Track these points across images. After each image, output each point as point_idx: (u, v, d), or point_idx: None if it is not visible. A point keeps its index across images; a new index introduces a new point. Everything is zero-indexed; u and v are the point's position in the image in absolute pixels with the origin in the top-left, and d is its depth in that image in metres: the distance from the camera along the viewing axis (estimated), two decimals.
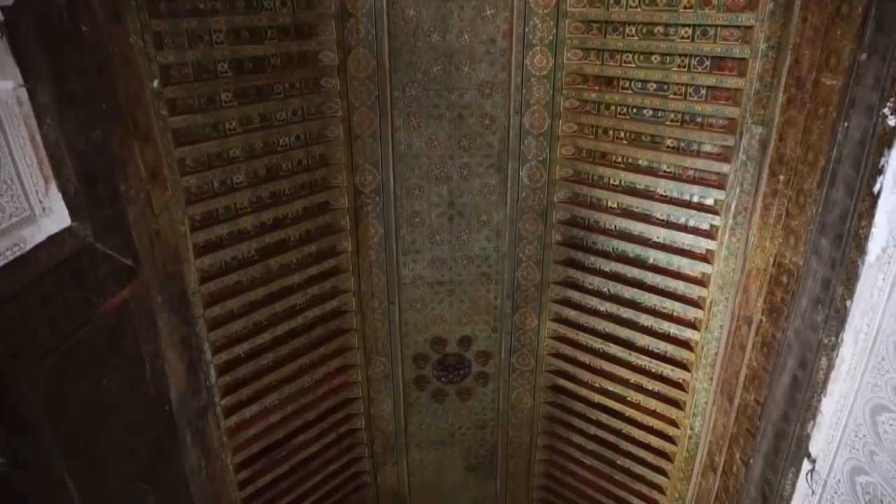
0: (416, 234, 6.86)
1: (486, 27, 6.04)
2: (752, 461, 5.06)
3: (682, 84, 5.49)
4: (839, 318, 3.89)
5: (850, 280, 3.78)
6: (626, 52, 5.70)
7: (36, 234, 3.25)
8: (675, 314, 6.15)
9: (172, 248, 4.87)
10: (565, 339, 7.14)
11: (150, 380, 4.38)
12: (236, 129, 5.47)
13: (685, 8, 5.21)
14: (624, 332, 6.53)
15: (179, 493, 5.03)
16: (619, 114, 5.97)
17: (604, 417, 7.03)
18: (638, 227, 6.18)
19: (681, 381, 6.27)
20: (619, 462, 7.10)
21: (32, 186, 3.24)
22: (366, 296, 6.97)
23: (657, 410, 6.56)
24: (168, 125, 4.84)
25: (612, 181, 6.24)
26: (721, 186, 5.43)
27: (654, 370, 6.45)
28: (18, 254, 3.08)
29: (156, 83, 4.71)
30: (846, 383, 3.83)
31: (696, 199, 5.73)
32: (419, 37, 6.05)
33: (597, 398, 7.03)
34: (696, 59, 5.35)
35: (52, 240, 3.34)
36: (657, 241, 6.11)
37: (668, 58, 5.51)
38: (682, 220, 5.89)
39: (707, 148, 5.54)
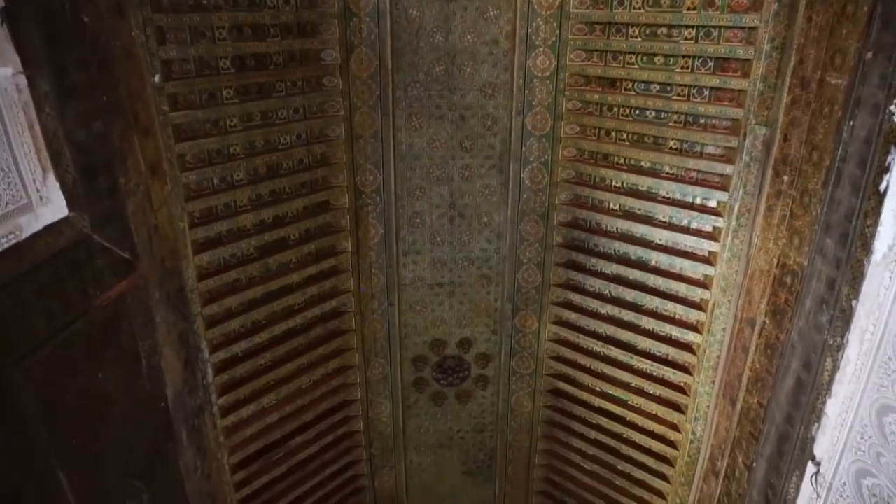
0: (417, 234, 6.83)
1: (489, 28, 6.03)
2: (755, 465, 5.00)
3: (686, 85, 5.47)
4: (844, 318, 3.85)
5: (856, 279, 3.74)
6: (630, 53, 5.69)
7: (33, 223, 3.22)
8: (676, 317, 6.10)
9: (171, 244, 4.83)
10: (566, 342, 7.09)
11: (146, 375, 4.33)
12: (237, 126, 5.44)
13: (689, 9, 5.20)
14: (625, 335, 6.48)
15: (175, 492, 4.96)
16: (622, 115, 5.95)
17: (604, 421, 6.97)
18: (640, 229, 6.14)
19: (682, 384, 6.22)
20: (619, 467, 7.03)
21: (30, 175, 3.20)
22: (365, 297, 6.92)
23: (658, 414, 6.50)
24: (169, 120, 4.81)
25: (614, 183, 6.21)
26: (724, 188, 5.40)
27: (655, 373, 6.40)
28: (14, 242, 3.04)
29: (157, 78, 4.69)
30: (851, 384, 3.78)
31: (698, 200, 5.70)
32: (422, 37, 6.03)
33: (597, 402, 6.97)
34: (700, 60, 5.33)
35: (49, 229, 3.30)
36: (659, 243, 6.07)
37: (671, 59, 5.49)
38: (684, 222, 5.86)
39: (710, 149, 5.51)
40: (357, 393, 7.36)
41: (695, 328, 5.94)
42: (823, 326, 4.07)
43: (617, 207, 6.29)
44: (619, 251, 6.37)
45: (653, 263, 6.18)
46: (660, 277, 6.09)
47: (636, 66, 5.70)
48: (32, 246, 3.18)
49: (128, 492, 4.21)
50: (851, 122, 3.88)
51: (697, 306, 5.87)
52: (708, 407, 5.91)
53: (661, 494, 6.78)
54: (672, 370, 6.21)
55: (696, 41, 5.28)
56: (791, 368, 4.50)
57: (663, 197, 5.92)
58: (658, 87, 5.67)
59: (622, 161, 6.10)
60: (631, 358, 6.51)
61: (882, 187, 3.53)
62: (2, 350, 2.99)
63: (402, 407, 7.67)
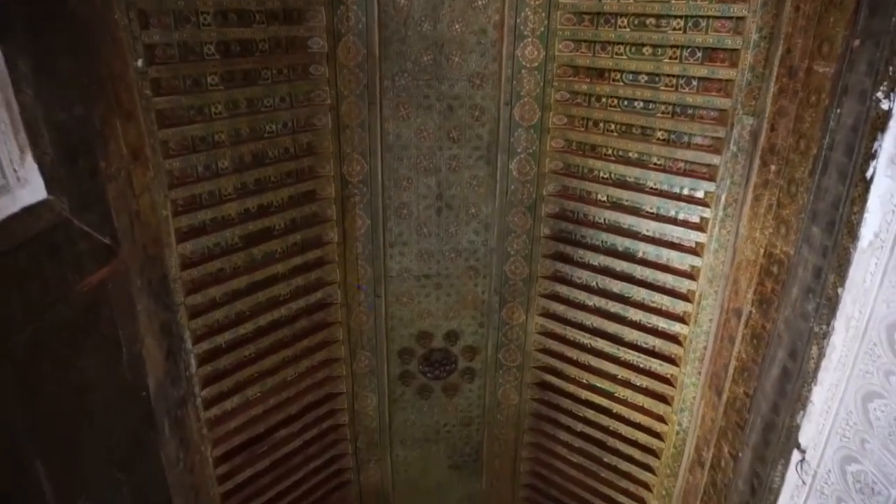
0: (404, 226, 6.78)
1: (478, 17, 6.00)
2: (740, 454, 5.01)
3: (674, 75, 5.47)
4: (830, 305, 3.86)
5: (842, 267, 3.75)
6: (618, 43, 5.68)
7: (9, 205, 3.12)
8: (663, 308, 6.11)
9: (153, 231, 4.74)
10: (553, 334, 7.08)
11: (126, 364, 4.25)
12: (222, 114, 5.36)
13: None
14: (612, 327, 6.48)
15: (156, 484, 4.88)
16: (610, 106, 5.94)
17: (591, 414, 6.96)
18: (627, 220, 6.14)
19: (669, 376, 6.23)
20: (605, 459, 7.03)
21: (7, 155, 3.11)
22: (351, 288, 6.86)
23: (645, 406, 6.51)
24: (152, 105, 4.72)
25: (601, 174, 6.20)
26: (711, 178, 5.41)
27: (642, 365, 6.40)
28: None
29: (140, 62, 4.60)
30: (837, 372, 3.79)
31: (686, 191, 5.71)
32: (410, 26, 5.98)
33: (584, 394, 6.97)
34: (688, 50, 5.33)
35: (27, 211, 3.21)
36: (647, 234, 6.08)
37: (659, 49, 5.49)
38: (671, 213, 5.86)
39: (698, 140, 5.52)
40: (343, 386, 7.30)
41: (681, 319, 5.95)
42: (809, 314, 4.08)
43: (604, 198, 6.28)
44: (606, 242, 6.37)
45: (640, 254, 6.18)
46: (647, 268, 6.09)
47: (624, 57, 5.69)
48: (9, 228, 3.09)
49: (107, 482, 4.13)
50: (838, 110, 3.89)
51: (684, 297, 5.88)
52: (694, 398, 5.93)
53: (647, 486, 6.79)
54: (659, 361, 6.22)
55: (685, 31, 5.28)
56: (777, 357, 4.51)
57: (651, 188, 5.92)
58: (646, 78, 5.66)
59: (610, 152, 6.10)
60: (618, 350, 6.51)
61: (869, 174, 3.54)
62: None
63: (389, 400, 7.62)
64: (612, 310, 6.45)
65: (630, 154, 5.96)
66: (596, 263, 6.47)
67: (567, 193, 6.54)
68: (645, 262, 6.14)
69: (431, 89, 6.24)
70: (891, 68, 3.42)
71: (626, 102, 5.85)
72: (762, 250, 4.78)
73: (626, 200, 6.13)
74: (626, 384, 6.61)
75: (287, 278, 6.30)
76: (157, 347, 4.83)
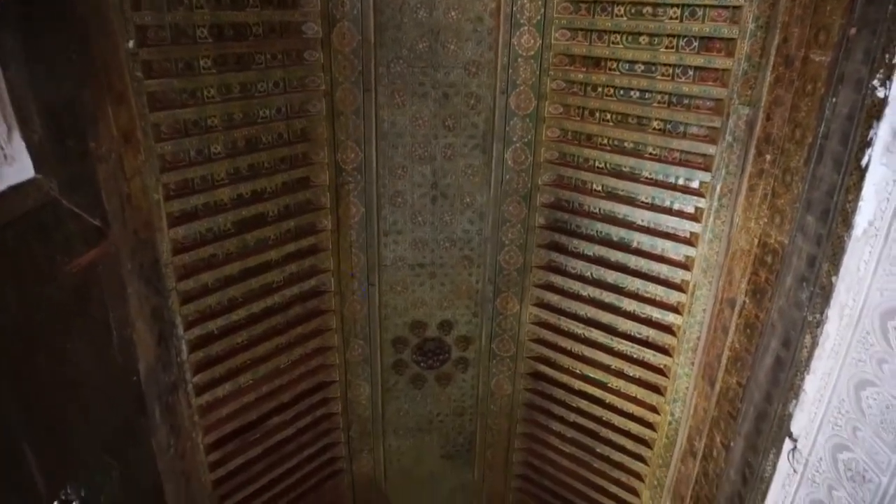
0: (398, 214, 6.75)
1: (474, 5, 5.95)
2: (732, 444, 5.02)
3: (670, 65, 5.44)
4: (824, 294, 3.86)
5: (836, 255, 3.74)
6: (615, 32, 5.64)
7: None
8: (657, 298, 6.10)
9: (145, 215, 4.71)
10: (547, 324, 7.07)
11: (117, 348, 4.22)
12: (215, 98, 5.31)
13: None
14: (606, 317, 6.47)
15: (147, 470, 4.86)
16: (606, 95, 5.91)
17: (584, 404, 6.96)
18: (622, 210, 6.13)
19: (662, 366, 6.23)
20: (598, 450, 7.04)
21: None
22: (345, 276, 6.83)
23: (638, 397, 6.51)
24: (143, 88, 4.68)
25: (597, 163, 6.18)
26: (707, 168, 5.39)
27: (635, 356, 6.40)
28: None
29: (131, 44, 4.55)
30: (830, 360, 3.79)
31: (681, 181, 5.69)
32: (405, 12, 5.94)
33: (577, 385, 6.96)
34: (685, 39, 5.30)
35: (15, 190, 3.17)
36: (641, 224, 6.06)
37: (656, 38, 5.45)
38: (666, 203, 5.85)
39: (693, 130, 5.50)
40: (336, 374, 7.29)
41: (675, 309, 5.95)
42: (803, 303, 4.08)
43: (600, 188, 6.26)
44: (601, 232, 6.35)
45: (634, 245, 6.17)
46: (641, 259, 6.08)
47: (621, 46, 5.66)
48: None
49: (98, 466, 4.11)
50: (834, 99, 3.88)
51: (678, 287, 5.87)
52: (687, 388, 5.93)
53: (639, 476, 6.80)
54: (652, 352, 6.21)
55: (681, 20, 5.24)
56: (770, 347, 4.50)
57: (646, 177, 5.90)
58: (642, 67, 5.63)
59: (605, 142, 6.07)
60: (611, 340, 6.50)
61: (864, 162, 3.53)
62: None
63: (382, 389, 7.60)
64: (607, 300, 6.44)
65: (625, 144, 5.94)
66: (590, 253, 6.46)
67: (562, 183, 6.52)
68: (639, 252, 6.13)
69: (427, 77, 6.20)
70: (887, 56, 3.41)
71: (622, 92, 5.82)
72: (756, 240, 4.77)
73: (622, 190, 6.11)
74: (620, 374, 6.61)
75: (280, 265, 6.27)
76: (148, 332, 4.80)
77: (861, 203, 3.53)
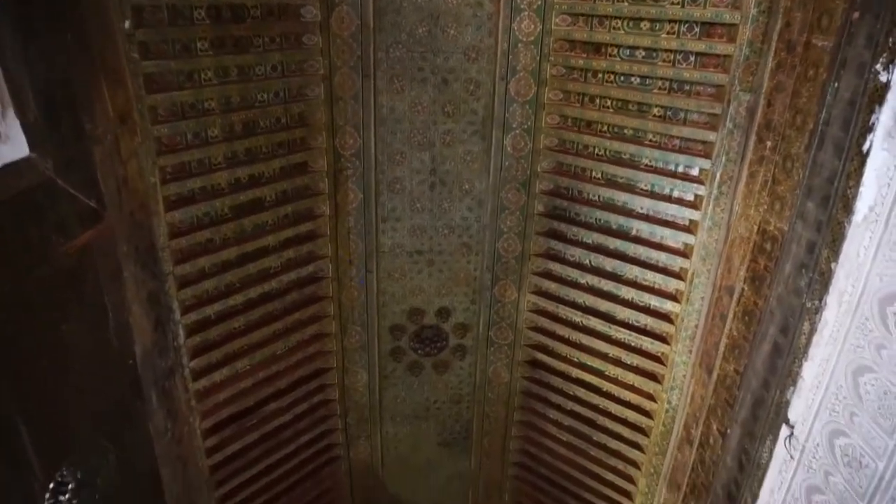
0: (397, 200, 6.72)
1: None
2: (729, 431, 5.02)
3: (671, 50, 5.39)
4: (823, 281, 3.85)
5: (836, 242, 3.73)
6: (616, 17, 5.59)
7: None
8: (656, 286, 6.09)
9: (141, 197, 4.67)
10: (545, 312, 7.05)
11: (113, 331, 4.20)
12: (212, 80, 5.26)
13: None
14: (604, 305, 6.46)
15: (143, 453, 4.85)
16: (607, 81, 5.87)
17: (581, 392, 6.97)
18: (622, 198, 6.10)
19: (660, 354, 6.22)
20: (595, 438, 7.04)
21: None
22: (343, 263, 6.81)
23: (635, 385, 6.51)
24: (140, 69, 4.62)
25: (596, 150, 6.15)
26: (707, 155, 5.36)
27: (633, 344, 6.39)
28: None
29: (127, 24, 4.49)
30: (828, 347, 3.79)
31: (681, 168, 5.66)
32: None
33: (575, 373, 6.96)
34: (686, 25, 5.25)
35: (9, 168, 3.14)
36: (641, 211, 6.03)
37: (657, 24, 5.40)
38: (666, 191, 5.82)
39: (694, 116, 5.46)
40: (333, 361, 7.28)
41: (674, 297, 5.94)
42: (802, 290, 4.07)
43: (599, 176, 6.23)
44: (600, 220, 6.33)
45: (633, 232, 6.15)
46: (640, 246, 6.06)
47: (622, 31, 5.61)
48: None
49: (94, 449, 4.09)
50: (836, 84, 3.85)
51: (677, 275, 5.86)
52: (684, 376, 5.93)
53: (635, 464, 6.82)
54: (650, 340, 6.21)
55: (683, 6, 5.19)
56: (768, 334, 4.50)
57: (646, 164, 5.87)
58: (643, 53, 5.59)
59: (605, 128, 6.03)
60: (609, 328, 6.49)
61: (865, 147, 3.51)
62: None
63: (379, 377, 7.60)
64: (605, 288, 6.43)
65: (625, 130, 5.91)
66: (589, 241, 6.44)
67: (561, 170, 6.49)
68: (638, 240, 6.11)
69: (426, 62, 6.15)
70: (891, 40, 3.38)
71: (622, 78, 5.78)
72: (756, 227, 4.76)
73: (621, 177, 6.08)
74: (617, 362, 6.61)
75: (278, 251, 6.24)
76: (144, 316, 4.79)
77: (862, 189, 3.51)
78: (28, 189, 3.28)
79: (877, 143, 3.44)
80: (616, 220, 6.21)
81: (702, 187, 5.44)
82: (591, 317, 6.59)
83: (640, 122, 5.74)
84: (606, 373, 6.73)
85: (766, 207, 4.63)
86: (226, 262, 5.83)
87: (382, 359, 7.50)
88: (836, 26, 3.89)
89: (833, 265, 3.74)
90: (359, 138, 6.33)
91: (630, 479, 6.93)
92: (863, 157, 3.52)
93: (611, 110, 5.94)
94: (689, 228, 5.68)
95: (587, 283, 6.57)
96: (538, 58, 6.09)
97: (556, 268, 6.77)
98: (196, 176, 5.34)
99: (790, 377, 4.15)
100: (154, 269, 4.98)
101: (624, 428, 6.72)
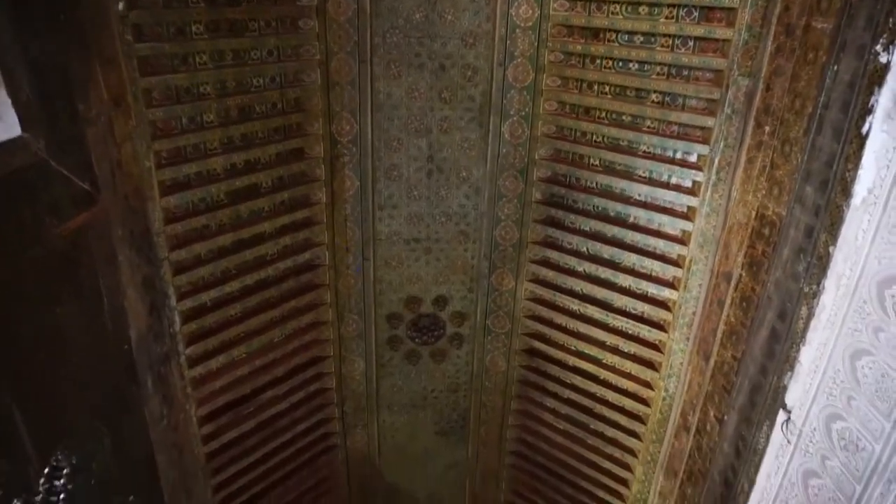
0: (394, 188, 6.68)
1: None
2: (726, 417, 5.02)
3: (670, 35, 5.36)
4: (821, 265, 3.83)
5: (834, 225, 3.71)
6: (614, 2, 5.54)
7: None
8: (653, 274, 6.08)
9: (135, 182, 4.64)
10: (542, 300, 7.04)
11: (108, 315, 4.17)
12: (207, 64, 5.21)
13: None
14: (602, 293, 6.45)
15: (139, 439, 4.83)
16: (605, 67, 5.84)
17: (578, 381, 6.96)
18: (620, 185, 6.08)
19: (657, 342, 6.21)
20: (592, 426, 7.04)
21: None
22: (339, 250, 6.78)
23: (632, 373, 6.50)
24: (134, 52, 4.58)
25: (594, 137, 6.12)
26: (705, 141, 5.34)
27: (630, 331, 6.38)
28: None
29: (121, 5, 4.44)
30: (826, 331, 3.77)
31: (679, 154, 5.64)
32: None
33: (572, 361, 6.96)
34: (685, 9, 5.21)
35: (1, 147, 3.11)
36: (638, 198, 6.01)
37: (655, 8, 5.36)
38: (664, 177, 5.80)
39: (692, 102, 5.43)
40: (330, 349, 7.26)
41: (671, 284, 5.92)
42: (800, 275, 4.05)
43: (597, 163, 6.20)
44: (598, 207, 6.30)
45: (631, 219, 6.13)
46: (638, 234, 6.04)
47: (620, 16, 5.57)
48: None
49: (88, 433, 4.07)
50: (835, 67, 3.82)
51: (674, 262, 5.84)
52: (682, 364, 5.92)
53: (632, 452, 6.82)
54: (647, 327, 6.20)
55: None
56: (766, 319, 4.49)
57: (644, 151, 5.84)
58: (642, 38, 5.55)
59: (603, 115, 6.00)
60: (607, 316, 6.48)
61: (864, 130, 3.48)
62: None
63: (376, 365, 7.59)
64: (603, 275, 6.41)
65: (623, 117, 5.87)
66: (587, 228, 6.42)
67: (559, 157, 6.46)
68: (636, 227, 6.09)
69: (423, 47, 6.11)
70: (891, 20, 3.35)
71: (620, 63, 5.74)
72: (754, 213, 4.74)
73: (619, 164, 6.06)
74: (615, 351, 6.60)
75: (274, 238, 6.21)
76: (139, 301, 4.76)
77: (861, 171, 3.49)
78: (20, 168, 3.24)
79: (876, 126, 3.41)
80: (614, 208, 6.19)
81: (700, 173, 5.42)
82: (588, 305, 6.58)
83: (638, 108, 5.71)
84: (604, 361, 6.72)
85: (764, 193, 4.61)
86: (222, 249, 5.79)
87: (379, 347, 7.49)
88: (836, 8, 3.86)
89: (831, 249, 3.73)
90: (355, 124, 6.29)
91: (627, 467, 6.94)
92: (862, 140, 3.50)
93: (609, 96, 5.91)
94: (687, 215, 5.66)
95: (585, 270, 6.56)
96: (536, 43, 6.05)
97: (554, 255, 6.75)
98: (191, 161, 5.30)
99: (788, 362, 4.14)
100: (149, 254, 4.95)
101: (621, 416, 6.72)
